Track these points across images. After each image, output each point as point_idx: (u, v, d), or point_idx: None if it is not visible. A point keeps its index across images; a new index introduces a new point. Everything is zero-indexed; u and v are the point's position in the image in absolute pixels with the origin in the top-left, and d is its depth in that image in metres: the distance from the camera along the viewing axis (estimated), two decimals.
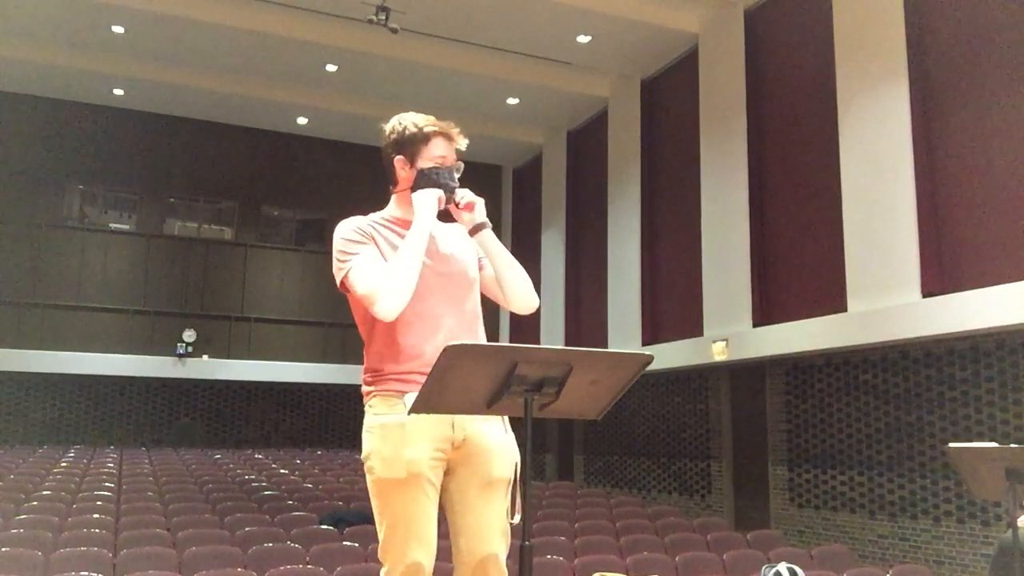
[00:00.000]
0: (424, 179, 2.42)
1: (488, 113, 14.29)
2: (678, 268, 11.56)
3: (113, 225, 15.74)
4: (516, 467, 2.37)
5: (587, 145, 14.37)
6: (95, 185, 15.59)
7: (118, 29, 11.88)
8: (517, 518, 2.33)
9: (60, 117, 14.73)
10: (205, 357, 14.66)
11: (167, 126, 15.36)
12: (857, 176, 8.55)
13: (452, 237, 2.52)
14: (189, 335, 14.64)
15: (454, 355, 1.83)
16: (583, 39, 11.65)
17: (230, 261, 15.80)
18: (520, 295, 2.49)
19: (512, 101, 13.91)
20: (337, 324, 15.49)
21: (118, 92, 14.29)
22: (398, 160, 2.47)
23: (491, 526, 2.33)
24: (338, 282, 2.39)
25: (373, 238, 2.39)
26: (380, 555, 2.32)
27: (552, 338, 14.20)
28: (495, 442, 2.36)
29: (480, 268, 2.53)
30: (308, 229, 16.77)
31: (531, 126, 15.14)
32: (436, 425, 2.28)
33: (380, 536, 2.32)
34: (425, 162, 2.42)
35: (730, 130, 10.43)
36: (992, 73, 7.60)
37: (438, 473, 2.32)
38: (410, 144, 2.44)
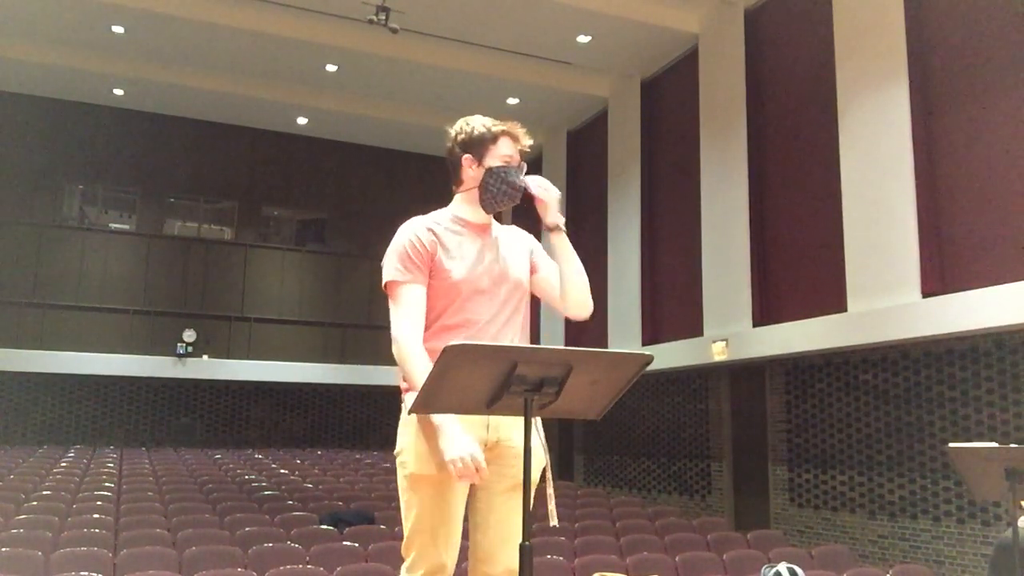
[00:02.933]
0: (492, 176, 2.49)
1: (488, 113, 14.12)
2: (678, 268, 11.56)
3: (113, 225, 15.74)
4: (545, 471, 2.40)
5: (587, 145, 14.37)
6: (95, 185, 15.59)
7: (118, 29, 11.88)
8: (555, 521, 2.40)
9: (60, 117, 14.72)
10: (205, 357, 14.65)
11: (167, 126, 15.36)
12: (857, 176, 8.55)
13: (508, 243, 2.58)
14: (189, 335, 14.64)
15: (454, 355, 1.83)
16: (583, 39, 11.65)
17: (230, 261, 15.79)
18: (577, 299, 2.55)
19: (512, 101, 13.91)
20: (337, 324, 15.49)
21: (118, 92, 14.29)
22: (466, 159, 2.53)
23: (510, 528, 2.37)
24: (383, 283, 2.47)
25: (433, 256, 2.43)
26: (403, 550, 2.37)
27: (552, 338, 14.19)
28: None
29: (532, 271, 2.59)
30: (308, 229, 16.76)
31: (531, 126, 14.74)
32: (471, 426, 2.32)
33: (405, 531, 2.36)
34: (493, 160, 2.49)
35: (730, 130, 10.43)
36: (992, 73, 7.60)
37: None
38: (479, 144, 2.50)
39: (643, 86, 12.59)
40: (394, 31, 10.22)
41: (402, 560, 2.38)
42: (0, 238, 14.24)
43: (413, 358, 2.32)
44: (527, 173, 2.57)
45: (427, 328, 2.43)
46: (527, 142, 2.55)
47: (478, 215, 2.55)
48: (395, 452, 2.42)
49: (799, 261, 9.54)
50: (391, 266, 2.44)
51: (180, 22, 11.54)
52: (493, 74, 12.86)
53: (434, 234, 2.46)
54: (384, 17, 10.03)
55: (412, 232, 2.46)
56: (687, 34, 11.34)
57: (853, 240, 8.51)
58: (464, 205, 2.55)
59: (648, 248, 12.17)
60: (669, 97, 12.24)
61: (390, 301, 2.43)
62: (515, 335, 2.48)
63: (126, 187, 15.63)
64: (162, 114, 15.16)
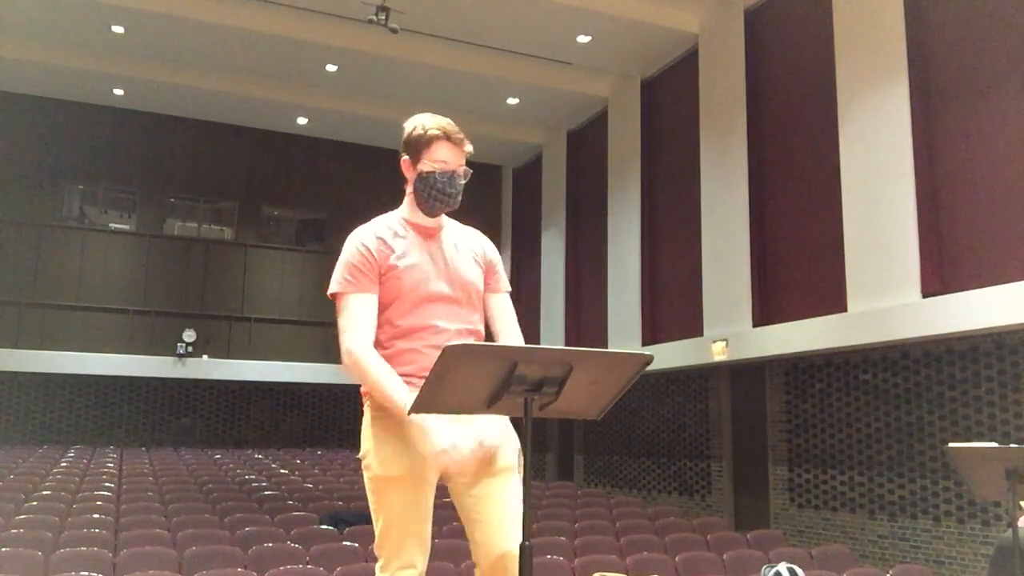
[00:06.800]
0: (422, 182, 2.44)
1: (488, 113, 14.30)
2: (678, 268, 11.56)
3: (113, 225, 15.74)
4: (519, 454, 2.40)
5: (587, 145, 14.37)
6: (95, 185, 15.59)
7: (118, 29, 11.88)
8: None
9: (60, 117, 14.73)
10: (205, 357, 14.66)
11: (167, 126, 15.36)
12: (857, 176, 8.55)
13: (461, 245, 2.55)
14: (189, 335, 14.64)
15: (454, 355, 1.83)
16: (583, 39, 11.65)
17: (230, 261, 15.80)
18: None
19: (512, 101, 13.91)
20: (337, 324, 15.47)
21: (118, 92, 14.29)
22: (404, 161, 2.50)
23: (504, 515, 2.36)
24: (330, 292, 2.45)
25: (382, 263, 2.40)
26: (376, 550, 2.38)
27: (552, 338, 14.19)
28: (494, 434, 2.39)
29: (486, 287, 2.55)
30: (308, 229, 16.77)
31: (531, 126, 15.14)
32: (433, 426, 2.30)
33: (376, 532, 2.37)
34: (426, 165, 2.43)
35: (730, 130, 10.43)
36: (992, 73, 7.60)
37: (435, 473, 2.35)
38: (414, 147, 2.46)
39: (643, 86, 12.59)
40: (394, 31, 10.22)
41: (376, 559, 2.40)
42: (0, 238, 14.24)
43: (370, 365, 2.29)
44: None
45: (381, 335, 2.40)
46: (468, 148, 2.47)
47: (425, 217, 2.50)
48: (359, 455, 2.41)
49: (799, 261, 9.54)
50: (337, 277, 2.42)
51: (180, 22, 11.53)
52: (493, 74, 12.85)
53: (382, 241, 2.42)
54: (384, 17, 10.02)
55: (359, 241, 2.43)
56: (687, 34, 11.33)
57: (853, 240, 8.51)
58: (411, 207, 2.51)
59: (648, 248, 12.17)
60: (669, 97, 12.24)
61: (338, 312, 2.40)
62: (472, 339, 2.44)
63: (126, 187, 15.63)
64: (162, 114, 15.16)
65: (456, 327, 2.42)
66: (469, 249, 2.55)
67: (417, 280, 2.40)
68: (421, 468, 2.30)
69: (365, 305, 2.37)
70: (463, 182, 2.46)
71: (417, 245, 2.46)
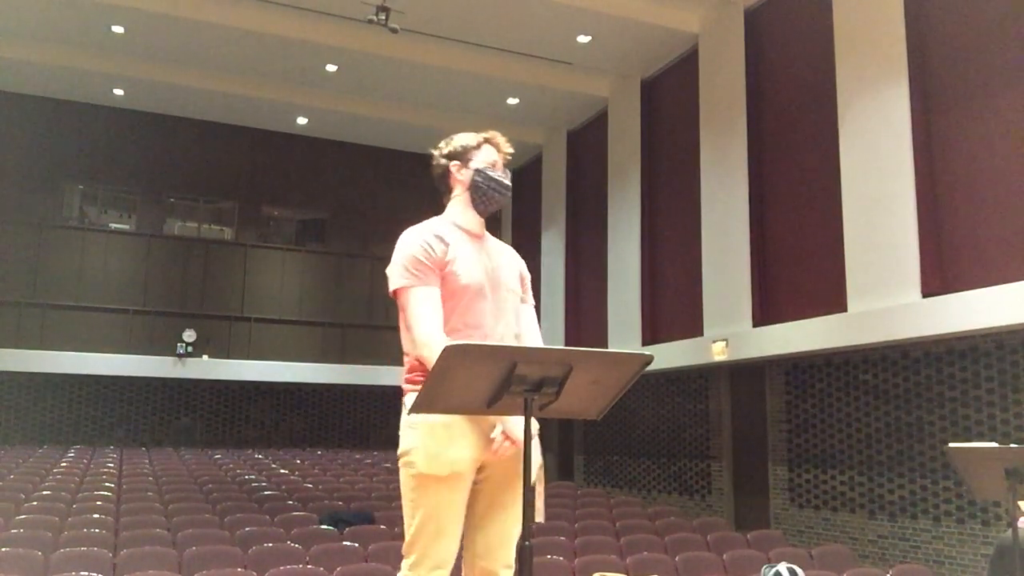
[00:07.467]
0: (481, 175, 2.59)
1: (488, 113, 14.29)
2: (678, 268, 11.56)
3: (113, 225, 15.74)
4: (540, 469, 2.45)
5: (587, 145, 14.37)
6: (95, 185, 15.59)
7: (118, 29, 11.88)
8: (542, 517, 2.47)
9: (60, 117, 14.73)
10: (205, 357, 14.65)
11: (167, 126, 15.36)
12: (857, 176, 8.55)
13: (501, 253, 2.68)
14: (189, 335, 14.63)
15: (454, 355, 1.83)
16: (583, 39, 11.65)
17: (230, 261, 15.79)
18: None
19: (512, 101, 13.91)
20: (337, 324, 15.48)
21: (118, 92, 14.29)
22: (453, 165, 2.64)
23: (512, 528, 2.44)
24: (391, 290, 2.50)
25: (443, 259, 2.47)
26: (406, 548, 2.39)
27: (552, 338, 14.19)
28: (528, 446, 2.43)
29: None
30: (308, 229, 16.76)
31: (531, 126, 15.14)
32: (479, 426, 2.36)
33: (410, 529, 2.38)
34: (479, 163, 2.61)
35: (730, 130, 10.43)
36: (992, 73, 7.60)
37: (473, 473, 2.41)
38: (463, 151, 2.63)
39: (643, 86, 12.59)
40: (394, 31, 10.22)
41: (402, 558, 2.40)
42: (0, 238, 14.24)
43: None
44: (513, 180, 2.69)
45: None
46: (508, 149, 2.69)
47: (473, 221, 2.62)
48: (399, 452, 2.43)
49: (799, 261, 9.54)
50: (400, 273, 2.46)
51: (180, 22, 11.54)
52: (493, 74, 12.85)
53: (440, 239, 2.50)
54: (384, 17, 10.02)
55: (421, 238, 2.50)
56: (687, 34, 11.34)
57: (853, 240, 8.51)
58: (458, 212, 2.63)
59: (648, 248, 12.17)
60: (669, 97, 12.24)
61: (404, 307, 2.43)
62: (515, 340, 2.59)
63: (126, 187, 15.63)
64: (162, 114, 15.16)
65: (502, 331, 2.52)
66: (509, 258, 2.69)
67: (471, 279, 2.48)
68: (465, 466, 2.34)
69: (432, 297, 2.44)
70: (507, 181, 2.66)
71: (469, 247, 2.55)
